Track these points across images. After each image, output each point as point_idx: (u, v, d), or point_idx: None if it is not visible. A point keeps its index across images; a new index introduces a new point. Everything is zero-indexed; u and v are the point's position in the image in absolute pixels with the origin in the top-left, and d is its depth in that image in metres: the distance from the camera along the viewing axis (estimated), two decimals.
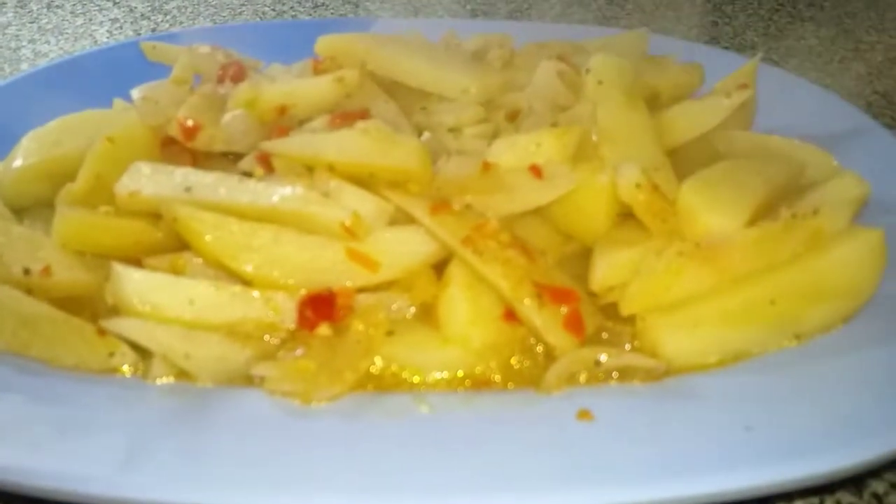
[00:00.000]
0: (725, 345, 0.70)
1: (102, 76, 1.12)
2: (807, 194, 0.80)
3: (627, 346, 0.71)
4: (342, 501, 0.55)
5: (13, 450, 0.57)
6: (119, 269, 0.69)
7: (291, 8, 1.86)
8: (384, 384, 0.68)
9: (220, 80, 0.99)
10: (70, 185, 0.80)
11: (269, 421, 0.62)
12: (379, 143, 0.76)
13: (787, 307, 0.71)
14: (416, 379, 0.68)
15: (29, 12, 1.83)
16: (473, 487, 0.55)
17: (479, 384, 0.68)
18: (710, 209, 0.75)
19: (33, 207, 0.88)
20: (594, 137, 0.84)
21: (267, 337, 0.70)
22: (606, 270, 0.72)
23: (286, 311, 0.71)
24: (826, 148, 0.91)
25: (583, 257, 0.79)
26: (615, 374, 0.67)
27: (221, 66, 1.01)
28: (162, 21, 1.78)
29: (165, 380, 0.67)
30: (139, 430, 0.61)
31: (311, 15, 1.81)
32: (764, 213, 0.79)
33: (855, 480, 0.67)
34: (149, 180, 0.77)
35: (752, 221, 0.76)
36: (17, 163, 0.87)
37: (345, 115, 0.88)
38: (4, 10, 1.83)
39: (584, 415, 0.62)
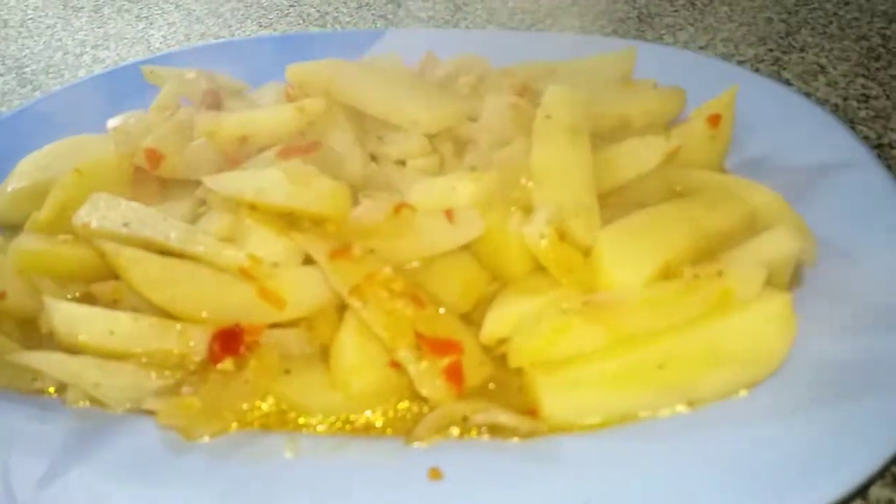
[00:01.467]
0: (608, 406, 0.69)
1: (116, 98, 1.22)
2: (736, 248, 0.76)
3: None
4: None
5: None
6: (48, 301, 0.76)
7: (336, 9, 1.91)
8: (270, 422, 0.72)
9: (199, 107, 1.05)
10: (36, 213, 0.89)
11: (148, 454, 0.67)
12: (295, 185, 0.79)
13: (678, 372, 0.68)
14: (301, 420, 0.72)
15: (100, 16, 1.97)
16: None
17: (358, 430, 0.71)
18: (615, 262, 0.73)
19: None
20: (523, 179, 0.83)
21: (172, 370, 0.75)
22: (496, 322, 0.73)
23: (199, 343, 0.77)
24: None
25: None
26: (483, 430, 0.68)
27: (202, 93, 1.07)
28: (213, 24, 1.88)
29: (81, 404, 0.74)
30: (43, 451, 0.68)
31: (353, 16, 1.85)
32: (695, 262, 0.76)
33: None
34: (100, 213, 0.84)
35: (665, 275, 0.73)
36: (11, 186, 0.97)
37: (291, 149, 0.92)
38: (80, 14, 1.99)
39: (434, 473, 0.63)
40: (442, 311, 0.74)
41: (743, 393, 0.69)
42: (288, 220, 0.82)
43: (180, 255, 0.80)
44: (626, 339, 0.70)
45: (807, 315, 0.76)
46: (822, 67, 1.49)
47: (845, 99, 1.38)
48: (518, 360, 0.71)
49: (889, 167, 1.15)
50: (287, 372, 0.74)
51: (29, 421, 0.72)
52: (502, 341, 0.73)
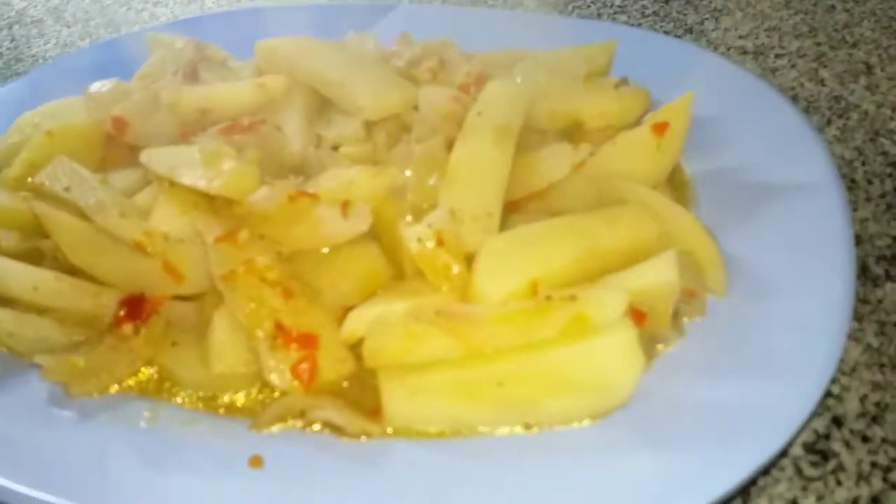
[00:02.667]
0: (447, 417, 0.69)
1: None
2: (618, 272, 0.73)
3: None
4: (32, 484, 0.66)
5: None
6: None
7: None
8: (147, 389, 0.77)
9: (174, 76, 1.10)
10: (7, 169, 0.98)
11: (32, 403, 0.75)
12: (207, 165, 0.83)
13: (517, 392, 0.67)
14: (174, 391, 0.77)
15: None
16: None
17: (218, 408, 0.75)
18: (483, 274, 0.73)
19: None
20: (431, 178, 0.83)
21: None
22: (355, 321, 0.74)
23: (109, 307, 0.83)
24: None
25: None
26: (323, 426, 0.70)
27: (184, 63, 1.12)
28: None
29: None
30: None
31: None
32: (573, 282, 0.74)
33: None
34: (54, 175, 0.92)
35: (533, 290, 0.72)
36: (2, 141, 1.07)
37: (234, 126, 0.95)
38: None
39: (254, 461, 0.67)
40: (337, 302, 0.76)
41: (586, 422, 0.68)
42: (207, 198, 0.86)
43: None
44: (476, 352, 0.69)
45: (690, 351, 0.73)
46: (870, 67, 1.35)
47: (879, 106, 1.25)
48: (371, 361, 0.72)
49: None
50: (174, 344, 0.79)
51: None
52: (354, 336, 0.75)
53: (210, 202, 0.85)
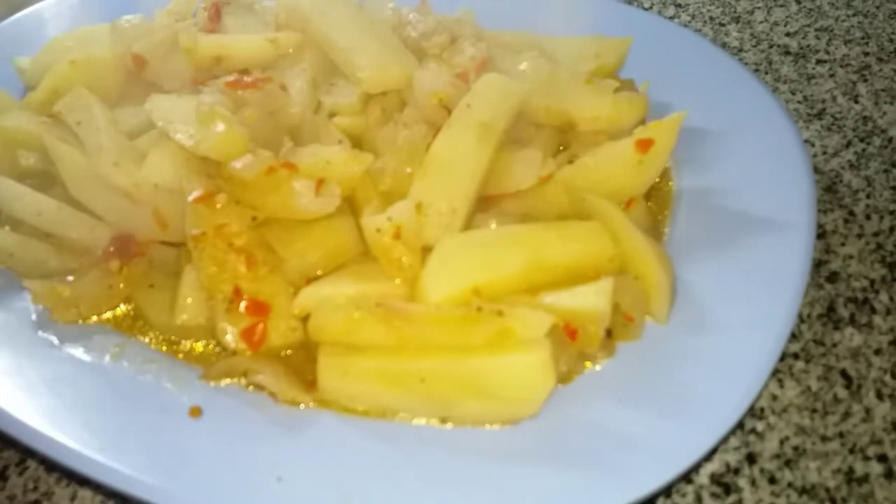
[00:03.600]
0: (374, 399, 0.75)
1: None
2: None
3: None
4: None
5: None
6: None
7: None
8: (120, 325, 0.86)
9: (202, 19, 1.14)
10: (32, 93, 1.04)
11: (21, 320, 0.84)
12: (199, 123, 0.88)
13: (437, 390, 0.72)
14: (143, 330, 0.85)
15: None
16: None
17: (178, 353, 0.82)
18: (429, 273, 0.77)
19: None
20: (407, 168, 0.86)
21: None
22: (306, 297, 0.79)
23: (102, 241, 0.90)
24: None
25: None
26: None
27: (208, 3, 1.15)
28: None
29: None
30: None
31: None
32: (528, 291, 0.78)
33: None
34: (70, 107, 0.98)
35: (473, 295, 0.76)
36: (35, 61, 1.13)
37: (239, 81, 0.99)
38: None
39: (194, 411, 0.74)
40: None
41: (496, 426, 0.73)
42: (197, 155, 0.91)
43: None
44: (408, 346, 0.74)
45: (614, 373, 0.76)
46: None
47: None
48: (314, 336, 0.78)
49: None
50: (151, 286, 0.87)
51: None
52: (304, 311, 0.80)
53: (201, 159, 0.91)
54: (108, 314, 0.87)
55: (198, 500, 0.67)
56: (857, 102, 1.25)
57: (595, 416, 0.73)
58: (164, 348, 0.83)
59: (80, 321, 0.85)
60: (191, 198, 0.83)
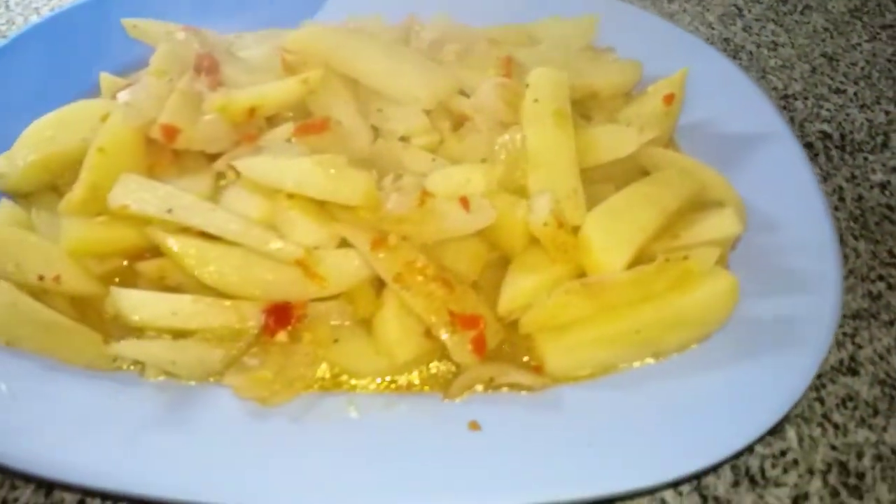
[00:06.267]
0: (596, 362, 0.89)
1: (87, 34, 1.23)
2: (692, 226, 0.96)
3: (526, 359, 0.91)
4: (280, 499, 0.75)
5: (35, 443, 0.78)
6: (116, 290, 0.86)
7: None
8: (327, 385, 0.88)
9: (196, 72, 1.09)
10: (70, 195, 0.94)
11: (233, 421, 0.82)
12: (330, 178, 0.90)
13: (650, 335, 0.89)
14: (353, 382, 0.88)
15: None
16: (383, 490, 0.76)
17: (402, 388, 0.88)
18: (602, 248, 0.91)
19: (38, 193, 1.03)
20: (522, 166, 0.97)
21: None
22: (510, 299, 0.90)
23: (252, 318, 0.89)
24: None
25: (505, 264, 0.96)
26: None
27: (196, 57, 1.11)
28: None
29: (158, 378, 0.86)
30: (132, 425, 0.81)
31: None
32: (657, 238, 0.95)
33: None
34: (136, 195, 0.92)
35: (639, 253, 0.92)
36: (20, 160, 1.00)
37: (306, 126, 1.01)
38: None
39: (473, 426, 0.82)
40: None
41: (694, 346, 0.91)
42: (320, 205, 0.93)
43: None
44: (610, 309, 0.89)
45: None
46: (739, 10, 1.66)
47: (758, 46, 1.56)
48: (528, 328, 0.89)
49: (792, 119, 1.37)
50: (336, 341, 0.89)
51: (113, 395, 0.83)
52: (512, 311, 0.91)
53: (326, 208, 0.93)
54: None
55: None
56: (713, 28, 1.58)
57: (748, 311, 0.93)
58: (390, 389, 0.88)
59: (292, 396, 0.85)
60: (366, 247, 0.87)
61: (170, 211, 0.91)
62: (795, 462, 0.91)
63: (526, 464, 0.78)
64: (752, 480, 0.89)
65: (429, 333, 0.88)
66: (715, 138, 1.16)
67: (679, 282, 0.90)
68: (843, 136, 1.37)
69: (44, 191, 1.04)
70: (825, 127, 1.38)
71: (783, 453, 0.92)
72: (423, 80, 1.06)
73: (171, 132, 1.00)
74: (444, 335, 0.86)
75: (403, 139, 1.04)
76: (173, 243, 0.88)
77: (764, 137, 1.15)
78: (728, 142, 1.15)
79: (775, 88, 1.46)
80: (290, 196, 0.92)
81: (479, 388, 0.87)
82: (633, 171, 1.06)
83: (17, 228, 0.94)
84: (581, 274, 0.92)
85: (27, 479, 0.85)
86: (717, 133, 1.18)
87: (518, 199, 0.94)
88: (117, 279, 0.95)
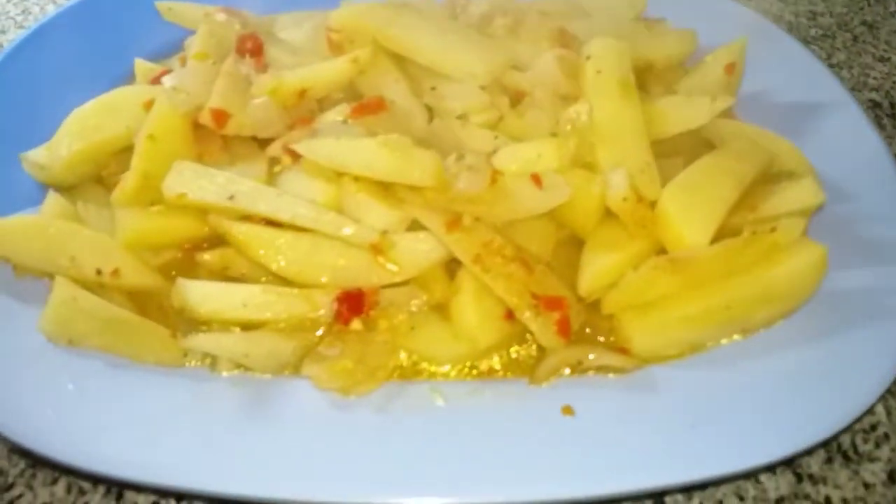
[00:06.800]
0: (684, 341, 0.85)
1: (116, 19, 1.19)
2: (769, 197, 0.92)
3: (601, 339, 0.87)
4: (372, 492, 0.72)
5: (108, 444, 0.73)
6: (182, 282, 0.82)
7: None
8: (406, 373, 0.84)
9: (240, 54, 1.04)
10: (122, 184, 0.90)
11: (316, 414, 0.78)
12: (398, 160, 0.86)
13: (739, 311, 0.85)
14: (432, 368, 0.84)
15: None
16: (478, 479, 0.72)
17: (483, 374, 0.84)
18: (684, 223, 0.87)
19: (82, 185, 0.99)
20: (590, 140, 0.93)
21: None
22: (592, 278, 0.86)
23: (323, 306, 0.85)
24: None
25: (575, 243, 0.92)
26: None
27: (239, 39, 1.06)
28: None
29: (231, 372, 0.82)
30: (209, 421, 0.77)
31: None
32: (734, 211, 0.92)
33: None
34: (192, 183, 0.87)
35: (721, 228, 0.89)
36: (63, 150, 0.95)
37: (363, 107, 0.96)
38: None
39: (566, 410, 0.79)
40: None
41: (780, 322, 0.88)
42: (385, 187, 0.89)
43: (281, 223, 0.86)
44: (697, 286, 0.86)
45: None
46: None
47: (796, 16, 1.53)
48: (611, 308, 0.86)
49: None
50: (412, 328, 0.85)
51: (187, 391, 0.79)
52: (593, 291, 0.87)
53: (391, 189, 0.89)
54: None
55: None
56: None
57: (832, 284, 0.90)
58: (472, 376, 0.84)
59: (375, 386, 0.81)
60: (441, 229, 0.83)
61: (231, 198, 0.86)
62: (887, 436, 0.88)
63: (628, 448, 0.75)
64: (846, 456, 0.86)
65: (509, 316, 0.84)
66: (775, 108, 1.13)
67: (766, 255, 0.86)
68: (892, 105, 1.34)
69: (87, 183, 0.99)
70: (874, 96, 1.35)
71: (873, 427, 0.89)
72: (478, 55, 1.02)
73: (221, 117, 0.95)
74: (528, 318, 0.82)
75: (461, 117, 1.00)
76: (239, 231, 0.83)
77: (826, 106, 1.12)
78: (789, 111, 1.12)
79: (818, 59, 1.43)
80: (357, 179, 0.87)
81: (566, 371, 0.84)
82: (699, 143, 1.02)
83: (70, 222, 0.89)
84: (660, 250, 0.89)
85: (97, 481, 0.80)
86: (777, 103, 1.14)
87: (590, 174, 0.90)
88: (173, 272, 0.90)
